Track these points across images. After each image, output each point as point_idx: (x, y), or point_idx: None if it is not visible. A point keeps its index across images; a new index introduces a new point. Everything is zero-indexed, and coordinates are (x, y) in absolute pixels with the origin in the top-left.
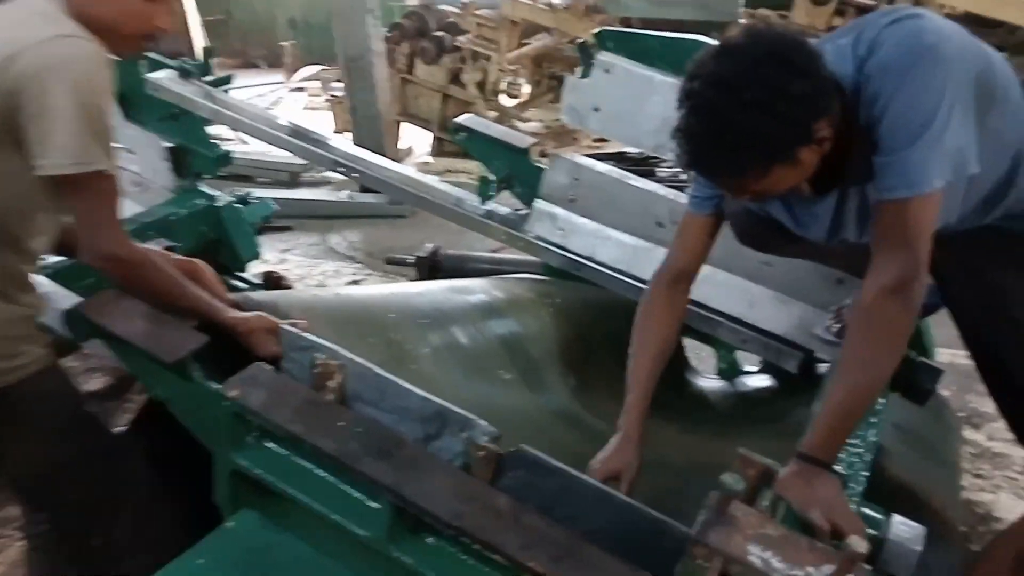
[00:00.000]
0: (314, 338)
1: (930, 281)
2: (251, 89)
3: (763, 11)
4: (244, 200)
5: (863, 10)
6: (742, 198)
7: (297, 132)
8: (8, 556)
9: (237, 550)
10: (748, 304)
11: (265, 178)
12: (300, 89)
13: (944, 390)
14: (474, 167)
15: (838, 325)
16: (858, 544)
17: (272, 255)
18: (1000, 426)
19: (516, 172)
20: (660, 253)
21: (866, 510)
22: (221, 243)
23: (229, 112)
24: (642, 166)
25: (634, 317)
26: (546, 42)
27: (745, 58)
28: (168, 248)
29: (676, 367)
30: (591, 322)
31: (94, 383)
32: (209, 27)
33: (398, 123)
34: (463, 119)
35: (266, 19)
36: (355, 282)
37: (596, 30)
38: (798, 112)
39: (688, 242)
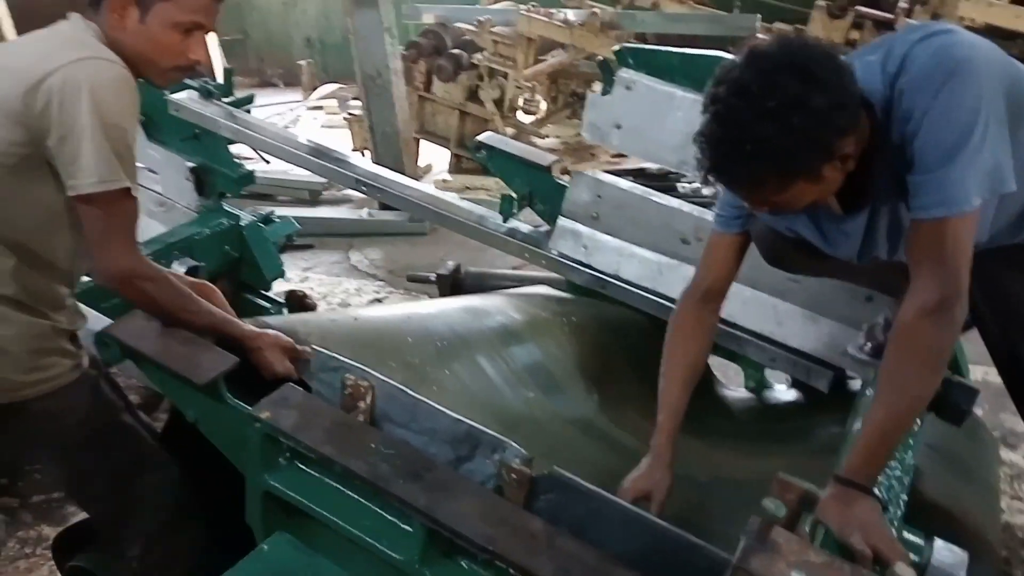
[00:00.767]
0: (344, 359)
1: None
2: (269, 108)
3: (779, 25)
4: (267, 219)
5: (880, 23)
6: (762, 210)
7: (319, 151)
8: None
9: (273, 573)
10: (776, 322)
11: (286, 196)
12: (318, 107)
13: (977, 408)
14: (493, 184)
15: (869, 343)
16: (905, 572)
17: (294, 273)
18: None
19: (538, 190)
20: (685, 270)
21: (907, 534)
22: (244, 262)
23: (252, 132)
24: (662, 182)
25: (648, 331)
26: (562, 58)
27: (768, 67)
28: (192, 267)
29: (703, 381)
30: (608, 338)
31: None
32: (226, 46)
33: (417, 141)
34: (484, 137)
35: (282, 38)
36: (378, 300)
37: (616, 47)
38: (815, 126)
39: (715, 261)
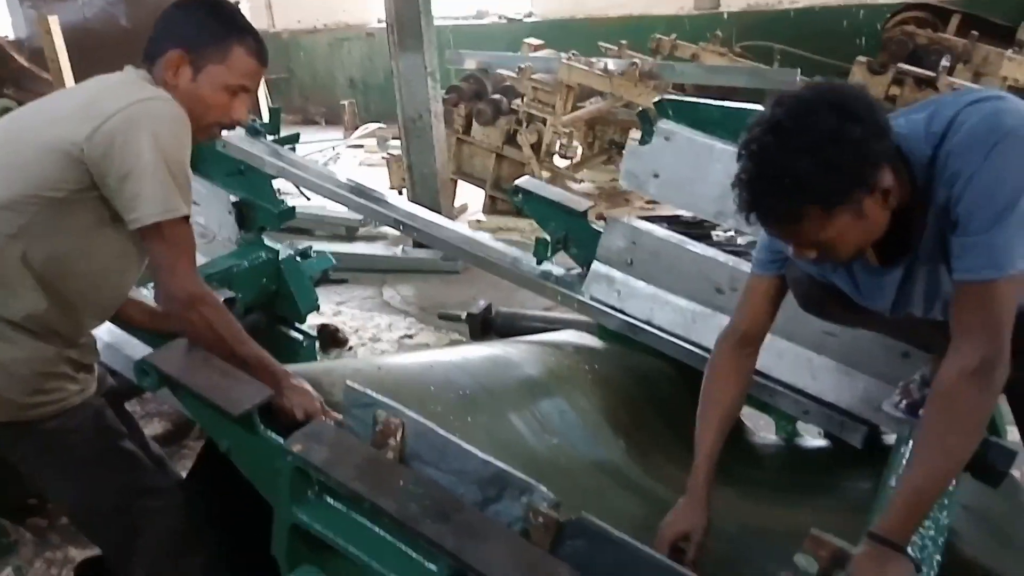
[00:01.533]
0: (376, 396)
1: None
2: (310, 145)
3: (819, 79)
4: (305, 253)
5: (921, 80)
6: (807, 255)
7: (359, 190)
8: None
9: None
10: (810, 375)
11: (323, 232)
12: (358, 146)
13: (1015, 470)
14: (526, 225)
15: (905, 400)
16: None
17: (328, 307)
18: None
19: (573, 234)
20: (719, 319)
21: None
22: (280, 295)
23: (295, 170)
24: (697, 229)
25: (676, 381)
26: (600, 106)
27: (800, 105)
28: (228, 299)
29: (733, 428)
30: (635, 388)
31: (152, 428)
32: (272, 85)
33: (454, 181)
34: (521, 181)
35: (326, 78)
36: (408, 336)
37: (657, 98)
38: (850, 156)
39: (753, 305)
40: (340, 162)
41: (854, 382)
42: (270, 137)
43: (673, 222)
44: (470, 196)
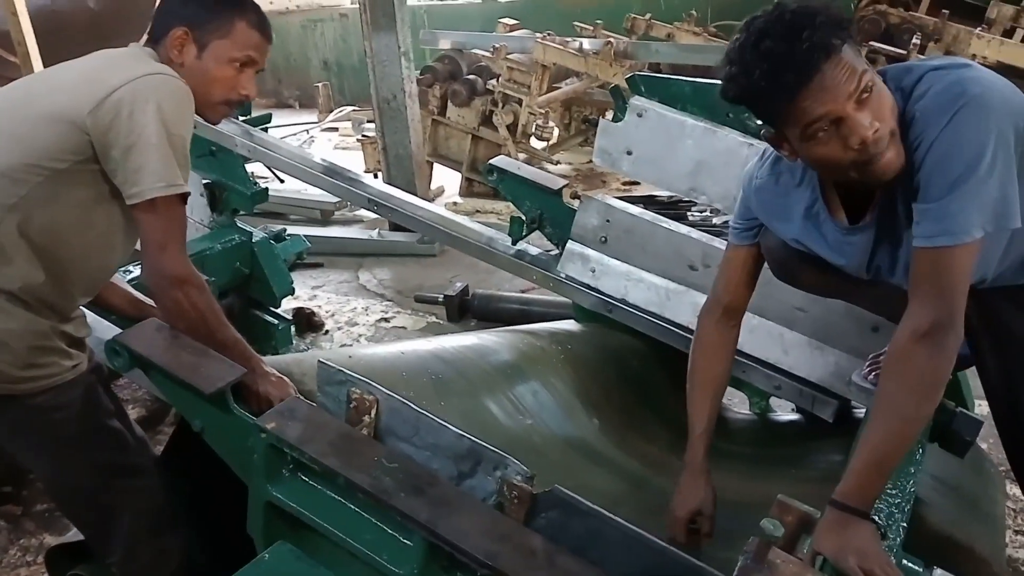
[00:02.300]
0: (350, 372)
1: None
2: (284, 128)
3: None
4: (279, 236)
5: (893, 59)
6: (818, 130)
7: (333, 171)
8: None
9: None
10: (782, 350)
11: (298, 215)
12: (332, 129)
13: (982, 443)
14: (503, 207)
15: (874, 372)
16: None
17: (303, 291)
18: None
19: (548, 213)
20: (692, 296)
21: (906, 562)
22: (255, 278)
23: (267, 150)
24: (672, 209)
25: (649, 358)
26: (575, 86)
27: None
28: None
29: None
30: (608, 366)
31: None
32: None
33: (429, 163)
34: (496, 161)
35: (300, 60)
36: (385, 319)
37: (629, 75)
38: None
39: (731, 275)
40: (315, 145)
41: (825, 356)
42: (241, 118)
43: (649, 203)
44: (447, 179)
